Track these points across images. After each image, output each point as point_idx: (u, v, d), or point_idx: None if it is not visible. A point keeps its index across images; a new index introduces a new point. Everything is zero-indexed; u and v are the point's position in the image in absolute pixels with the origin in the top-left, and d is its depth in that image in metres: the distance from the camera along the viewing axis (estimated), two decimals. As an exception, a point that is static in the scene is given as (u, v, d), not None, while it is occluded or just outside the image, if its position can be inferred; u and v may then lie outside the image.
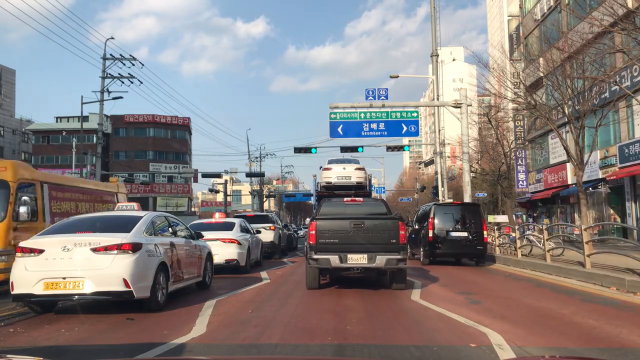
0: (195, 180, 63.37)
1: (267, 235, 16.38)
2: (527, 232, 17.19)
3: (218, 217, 13.90)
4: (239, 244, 11.83)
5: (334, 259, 8.53)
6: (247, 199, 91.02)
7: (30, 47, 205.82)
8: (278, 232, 17.42)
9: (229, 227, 12.39)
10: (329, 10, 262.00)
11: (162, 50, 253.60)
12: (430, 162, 39.65)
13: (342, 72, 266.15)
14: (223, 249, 11.52)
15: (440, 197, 27.68)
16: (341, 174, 15.57)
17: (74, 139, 51.99)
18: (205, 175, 38.17)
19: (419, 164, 40.17)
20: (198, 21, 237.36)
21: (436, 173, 28.45)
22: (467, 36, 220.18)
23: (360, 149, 28.68)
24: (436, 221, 14.61)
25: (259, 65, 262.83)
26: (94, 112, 61.32)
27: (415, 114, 23.39)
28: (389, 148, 28.79)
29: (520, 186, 33.36)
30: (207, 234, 11.63)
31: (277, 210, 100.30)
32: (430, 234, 14.46)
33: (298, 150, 29.15)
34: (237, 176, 72.94)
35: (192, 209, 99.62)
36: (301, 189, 78.96)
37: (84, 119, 63.18)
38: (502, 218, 26.70)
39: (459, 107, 23.06)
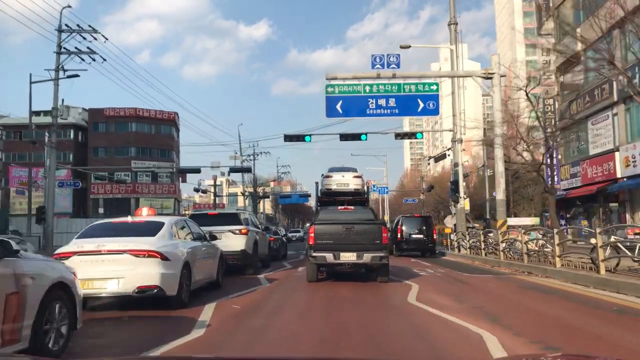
0: (184, 180, 58.52)
1: (234, 241, 11.58)
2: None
3: (145, 214, 9.05)
4: (164, 258, 6.92)
5: (329, 257, 10.16)
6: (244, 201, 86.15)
7: (33, 50, 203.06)
8: (253, 237, 12.55)
9: (150, 230, 7.45)
10: (331, 13, 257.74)
11: (164, 53, 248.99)
12: (442, 156, 34.74)
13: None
14: (131, 268, 6.65)
15: (462, 194, 22.78)
16: (340, 181, 16.27)
17: (46, 134, 47.21)
18: (182, 171, 33.22)
19: (428, 160, 35.11)
20: (201, 24, 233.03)
21: (455, 165, 23.54)
22: (470, 38, 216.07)
23: (363, 137, 23.86)
24: (403, 227, 22.11)
25: (260, 68, 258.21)
26: (73, 105, 56.54)
27: (434, 87, 18.55)
28: (398, 135, 23.95)
29: (551, 182, 28.44)
30: (107, 242, 6.78)
31: (274, 213, 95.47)
32: (399, 236, 21.68)
33: (289, 138, 24.29)
34: (221, 171, 68.01)
35: (183, 212, 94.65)
36: (298, 190, 74.20)
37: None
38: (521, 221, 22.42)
39: (490, 78, 18.21)
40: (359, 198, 15.92)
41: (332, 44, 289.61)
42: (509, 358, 4.18)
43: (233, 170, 29.35)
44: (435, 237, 22.98)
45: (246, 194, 56.61)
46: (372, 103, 18.11)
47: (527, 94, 22.09)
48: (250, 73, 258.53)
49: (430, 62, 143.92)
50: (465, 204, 24.23)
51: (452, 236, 25.92)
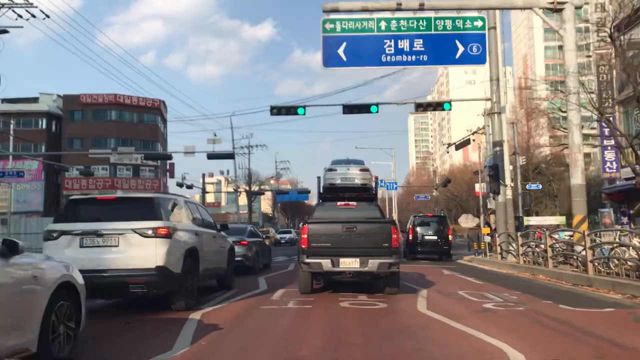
0: (172, 175, 53.06)
1: (141, 251, 6.05)
2: None
3: None
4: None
5: (326, 263, 8.58)
6: (244, 200, 79.50)
7: (37, 51, 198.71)
8: (184, 242, 6.89)
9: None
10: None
11: (168, 54, 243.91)
12: (465, 142, 29.07)
13: (347, 75, 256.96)
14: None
15: (508, 182, 17.14)
16: (345, 175, 14.17)
17: (12, 122, 41.73)
18: (150, 157, 27.64)
19: (447, 147, 29.17)
20: (205, 24, 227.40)
21: (496, 144, 17.86)
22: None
23: (373, 108, 18.30)
24: (416, 228, 21.04)
25: (265, 69, 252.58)
26: (44, 92, 51.09)
27: (479, 24, 12.87)
28: (419, 106, 18.36)
29: (607, 170, 22.75)
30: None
31: (272, 212, 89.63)
32: (411, 238, 20.75)
33: (277, 111, 18.68)
34: (198, 157, 62.28)
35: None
36: (298, 188, 68.35)
37: (33, 100, 53.01)
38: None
39: (560, 11, 12.56)
40: (366, 194, 14.06)
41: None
42: None
43: (211, 156, 23.88)
44: (450, 239, 21.09)
45: (239, 191, 51.06)
46: (390, 46, 12.48)
47: (612, 39, 16.22)
48: (255, 74, 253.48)
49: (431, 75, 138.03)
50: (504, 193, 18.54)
51: (487, 238, 20.37)
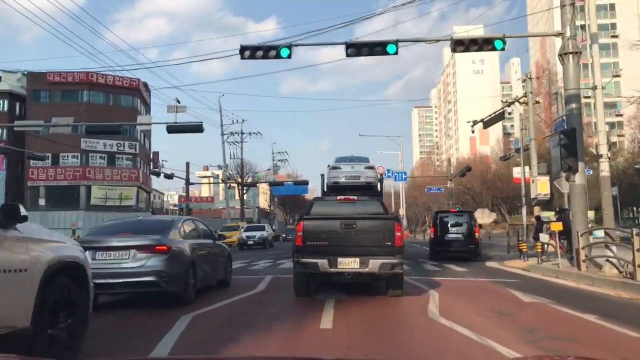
0: (155, 165, 47.31)
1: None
2: None
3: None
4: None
5: (323, 263, 7.96)
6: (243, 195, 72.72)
7: (41, 47, 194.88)
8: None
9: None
10: (340, 10, 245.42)
11: (172, 51, 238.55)
12: (497, 117, 23.36)
13: (352, 73, 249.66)
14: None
15: (605, 151, 11.35)
16: (350, 173, 13.72)
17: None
18: (92, 131, 21.96)
19: (473, 125, 23.05)
20: (209, 21, 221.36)
21: (569, 102, 12.06)
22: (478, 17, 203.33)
23: (391, 47, 12.69)
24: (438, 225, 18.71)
25: (269, 67, 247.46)
26: (8, 69, 45.37)
27: None
28: (459, 44, 12.74)
29: None
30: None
31: (269, 207, 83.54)
32: (432, 236, 18.74)
33: (250, 53, 12.95)
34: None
35: (170, 207, 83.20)
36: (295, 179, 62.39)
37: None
38: None
39: None
40: (371, 192, 13.22)
41: (341, 40, 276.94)
42: (521, 359, 3.84)
43: (172, 129, 18.12)
44: (477, 237, 18.44)
45: (227, 181, 45.30)
46: None
47: None
48: (258, 71, 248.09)
49: (436, 69, 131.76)
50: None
51: (544, 237, 14.69)
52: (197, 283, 7.92)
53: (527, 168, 20.85)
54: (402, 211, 52.43)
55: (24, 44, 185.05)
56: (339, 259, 7.94)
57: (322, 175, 14.44)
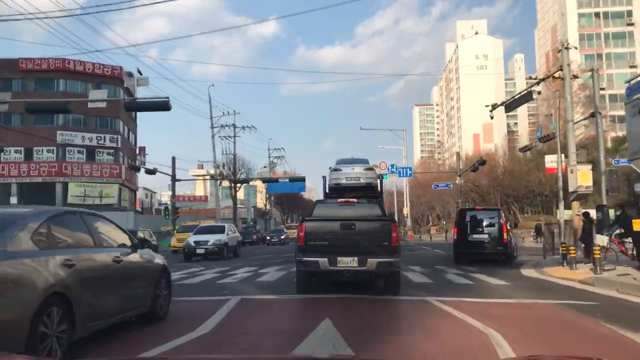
0: (142, 161, 43.79)
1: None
2: None
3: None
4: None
5: (324, 262, 8.33)
6: (239, 194, 68.00)
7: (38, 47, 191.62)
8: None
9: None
10: (340, 10, 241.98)
11: (172, 51, 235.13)
12: (524, 97, 19.86)
13: (352, 73, 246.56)
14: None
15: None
16: (350, 174, 14.30)
17: None
18: (30, 109, 18.16)
19: (492, 109, 19.31)
20: (209, 21, 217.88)
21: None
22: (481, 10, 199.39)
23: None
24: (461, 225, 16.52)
25: (269, 66, 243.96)
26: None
27: None
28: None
29: None
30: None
31: (265, 206, 79.55)
32: (455, 237, 16.58)
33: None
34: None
35: (166, 206, 78.89)
36: (290, 174, 58.46)
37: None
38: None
39: None
40: (371, 193, 14.01)
41: (341, 41, 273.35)
42: (515, 359, 3.82)
43: (131, 106, 14.46)
44: (506, 238, 15.80)
45: (217, 177, 41.72)
46: None
47: None
48: (258, 71, 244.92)
49: (436, 67, 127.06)
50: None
51: (603, 242, 11.28)
52: (76, 328, 4.33)
53: (551, 157, 17.31)
54: (406, 211, 48.88)
55: (23, 46, 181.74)
56: (339, 258, 8.28)
57: (324, 177, 14.88)
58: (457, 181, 39.60)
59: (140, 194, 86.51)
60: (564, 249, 14.38)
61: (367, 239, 8.42)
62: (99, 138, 40.66)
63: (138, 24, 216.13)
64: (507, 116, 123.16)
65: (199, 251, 19.87)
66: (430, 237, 43.59)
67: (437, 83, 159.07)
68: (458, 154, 42.80)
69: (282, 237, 38.67)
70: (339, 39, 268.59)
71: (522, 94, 20.41)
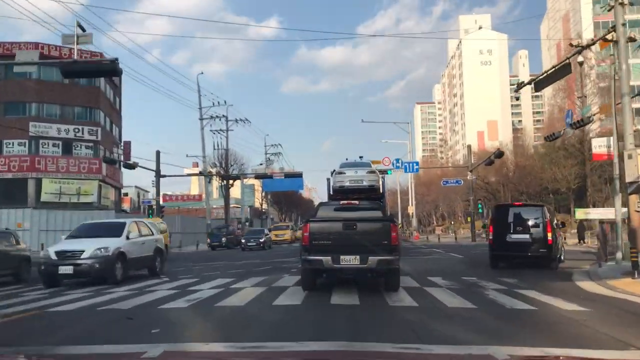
0: (128, 157, 40.26)
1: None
2: None
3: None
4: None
5: (327, 260, 8.81)
6: (235, 192, 63.17)
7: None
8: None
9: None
10: (341, 9, 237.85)
11: (174, 52, 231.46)
12: (561, 71, 16.40)
13: (352, 74, 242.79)
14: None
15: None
16: (353, 177, 14.93)
17: None
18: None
19: (518, 88, 15.62)
20: (211, 21, 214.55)
21: None
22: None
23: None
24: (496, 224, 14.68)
25: (270, 66, 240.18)
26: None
27: None
28: None
29: None
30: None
31: (261, 205, 75.86)
32: (490, 237, 14.89)
33: None
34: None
35: (155, 205, 75.09)
36: (288, 172, 54.79)
37: None
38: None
39: None
40: (374, 195, 14.49)
41: (342, 41, 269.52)
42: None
43: (69, 72, 10.88)
44: (550, 238, 13.20)
45: (207, 173, 38.29)
46: None
47: None
48: (259, 71, 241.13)
49: (437, 68, 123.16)
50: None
51: None
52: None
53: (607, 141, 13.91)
54: (411, 209, 45.38)
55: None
56: (342, 257, 8.77)
57: (328, 180, 15.52)
58: (468, 177, 36.15)
59: (132, 192, 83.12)
60: (634, 255, 10.93)
61: (368, 238, 8.88)
62: (76, 130, 37.18)
63: (140, 24, 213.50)
64: (512, 114, 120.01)
65: (63, 270, 11.12)
66: (438, 238, 40.03)
67: (440, 80, 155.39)
68: (469, 146, 39.25)
69: (262, 240, 30.28)
70: (339, 40, 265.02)
71: (558, 66, 16.88)
